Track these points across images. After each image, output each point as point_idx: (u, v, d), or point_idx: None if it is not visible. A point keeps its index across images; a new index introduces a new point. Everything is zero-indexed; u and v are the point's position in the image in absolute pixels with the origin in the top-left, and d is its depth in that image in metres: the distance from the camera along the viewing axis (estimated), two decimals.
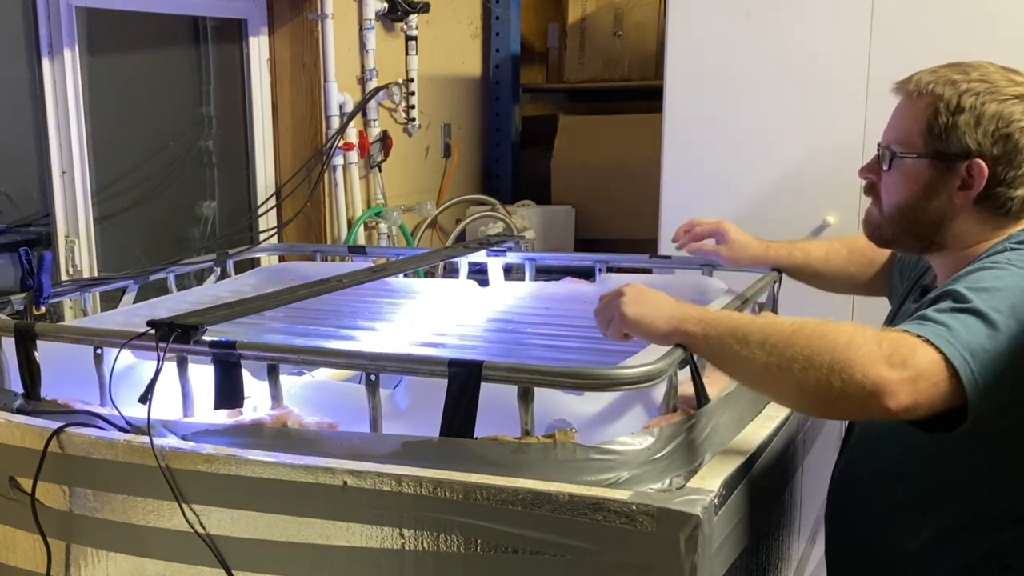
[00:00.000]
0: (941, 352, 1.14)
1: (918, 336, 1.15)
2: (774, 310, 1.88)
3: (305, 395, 1.44)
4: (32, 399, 1.51)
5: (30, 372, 1.52)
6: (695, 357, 1.36)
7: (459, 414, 1.24)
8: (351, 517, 1.25)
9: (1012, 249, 1.30)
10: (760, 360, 1.18)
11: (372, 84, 3.34)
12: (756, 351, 1.18)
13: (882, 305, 1.79)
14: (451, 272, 2.31)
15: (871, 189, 1.48)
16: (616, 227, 3.98)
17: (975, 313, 1.17)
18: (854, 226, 2.81)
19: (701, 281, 2.03)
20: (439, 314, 1.98)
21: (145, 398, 1.35)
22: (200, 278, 2.40)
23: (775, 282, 1.89)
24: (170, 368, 1.41)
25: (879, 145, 1.46)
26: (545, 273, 2.32)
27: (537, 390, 1.23)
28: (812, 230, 2.88)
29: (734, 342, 1.21)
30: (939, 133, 1.35)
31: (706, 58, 2.95)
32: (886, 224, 1.45)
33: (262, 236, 3.09)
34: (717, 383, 1.43)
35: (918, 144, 1.38)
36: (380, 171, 3.39)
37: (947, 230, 1.39)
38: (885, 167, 1.43)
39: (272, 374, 1.39)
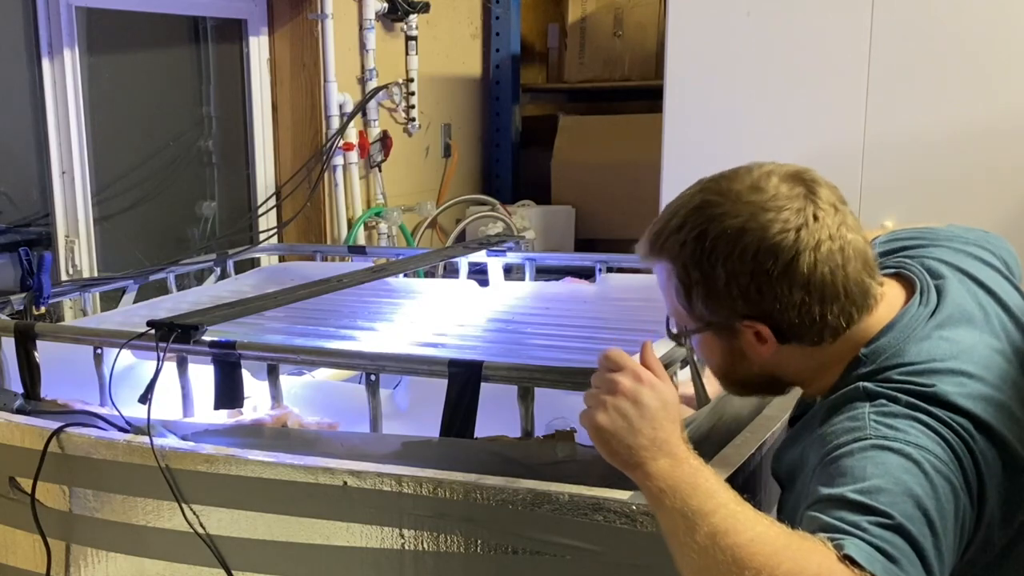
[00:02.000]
0: None
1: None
2: None
3: (305, 395, 1.44)
4: (32, 399, 1.51)
5: (30, 372, 1.52)
6: (695, 357, 1.36)
7: (459, 414, 1.24)
8: (351, 517, 1.25)
9: (874, 413, 1.05)
10: (695, 561, 0.96)
11: (372, 84, 3.34)
12: (697, 546, 0.96)
13: None
14: (451, 272, 2.31)
15: None
16: (616, 227, 3.98)
17: (900, 531, 0.95)
18: None
19: None
20: (439, 314, 1.98)
21: (145, 398, 1.35)
22: (200, 278, 2.40)
23: None
24: (170, 368, 1.41)
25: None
26: (545, 273, 2.32)
27: (537, 390, 1.23)
28: None
29: (682, 524, 0.98)
30: (693, 305, 1.14)
31: (706, 58, 2.95)
32: (726, 387, 1.26)
33: (262, 236, 3.09)
34: (717, 383, 1.43)
35: (687, 318, 1.17)
36: (380, 171, 3.39)
37: (782, 376, 1.20)
38: (682, 344, 1.24)
39: (272, 374, 1.39)
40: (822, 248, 1.07)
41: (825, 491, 0.99)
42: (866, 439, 1.01)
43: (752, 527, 0.95)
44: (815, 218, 1.08)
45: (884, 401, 1.04)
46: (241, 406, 1.39)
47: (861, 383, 1.08)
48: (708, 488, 0.99)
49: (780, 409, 1.51)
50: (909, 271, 1.18)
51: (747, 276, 1.08)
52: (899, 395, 1.04)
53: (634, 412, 1.04)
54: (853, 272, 1.09)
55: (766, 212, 1.08)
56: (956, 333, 1.10)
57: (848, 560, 0.91)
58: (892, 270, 1.20)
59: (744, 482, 1.29)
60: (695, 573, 0.97)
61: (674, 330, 1.20)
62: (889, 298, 1.14)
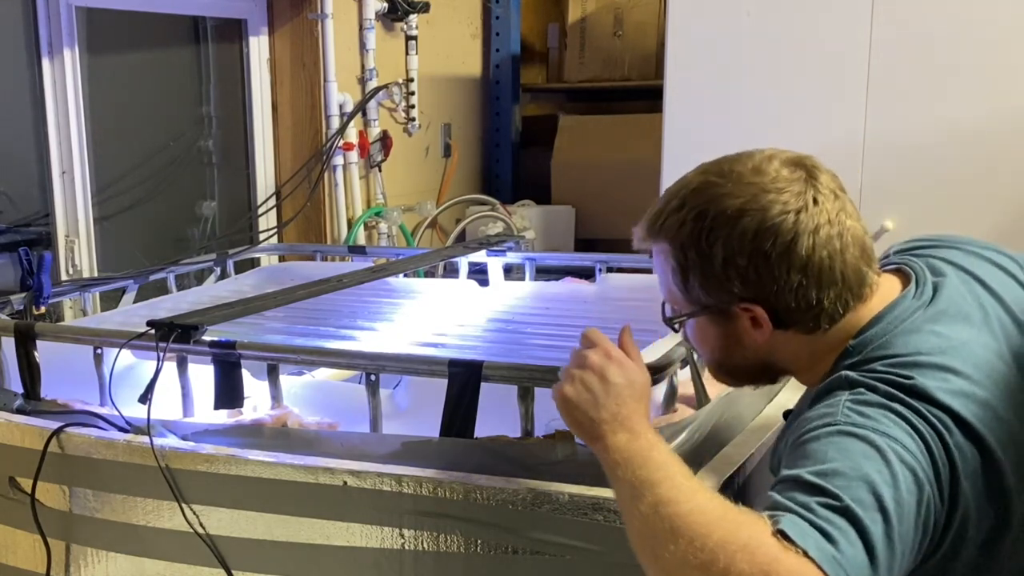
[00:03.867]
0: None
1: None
2: None
3: (305, 395, 1.44)
4: (32, 399, 1.51)
5: (30, 372, 1.52)
6: (695, 357, 1.36)
7: (459, 414, 1.24)
8: (351, 517, 1.25)
9: (849, 400, 1.04)
10: (638, 529, 0.98)
11: (372, 84, 3.34)
12: (640, 514, 0.98)
13: None
14: (451, 272, 2.31)
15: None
16: (616, 227, 3.95)
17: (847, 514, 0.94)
18: None
19: None
20: (439, 314, 1.98)
21: (145, 398, 1.35)
22: (200, 278, 2.40)
23: None
24: (170, 368, 1.41)
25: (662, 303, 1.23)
26: (545, 273, 2.32)
27: (537, 390, 1.23)
28: None
29: (630, 494, 1.00)
30: (689, 288, 1.14)
31: (706, 58, 2.95)
32: (718, 375, 1.25)
33: (262, 236, 3.09)
34: (717, 383, 1.43)
35: (683, 302, 1.16)
36: (380, 171, 3.39)
37: (776, 363, 1.19)
38: (676, 329, 1.22)
39: (272, 374, 1.39)
40: (821, 232, 1.08)
41: (785, 472, 1.00)
42: (834, 424, 1.01)
43: (693, 498, 0.97)
44: (815, 202, 1.09)
45: (862, 390, 1.04)
46: (241, 406, 1.39)
47: (844, 372, 1.08)
48: (659, 461, 1.01)
49: (781, 408, 1.51)
50: (909, 266, 1.18)
51: (745, 257, 1.08)
52: (878, 384, 1.04)
53: (599, 387, 1.07)
54: (851, 258, 1.10)
55: (767, 194, 1.09)
56: (949, 328, 1.10)
57: (781, 535, 0.91)
58: (894, 265, 1.20)
59: (744, 481, 1.29)
60: (638, 539, 0.99)
61: (669, 314, 1.20)
62: (884, 290, 1.14)
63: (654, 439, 1.04)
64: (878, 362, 1.07)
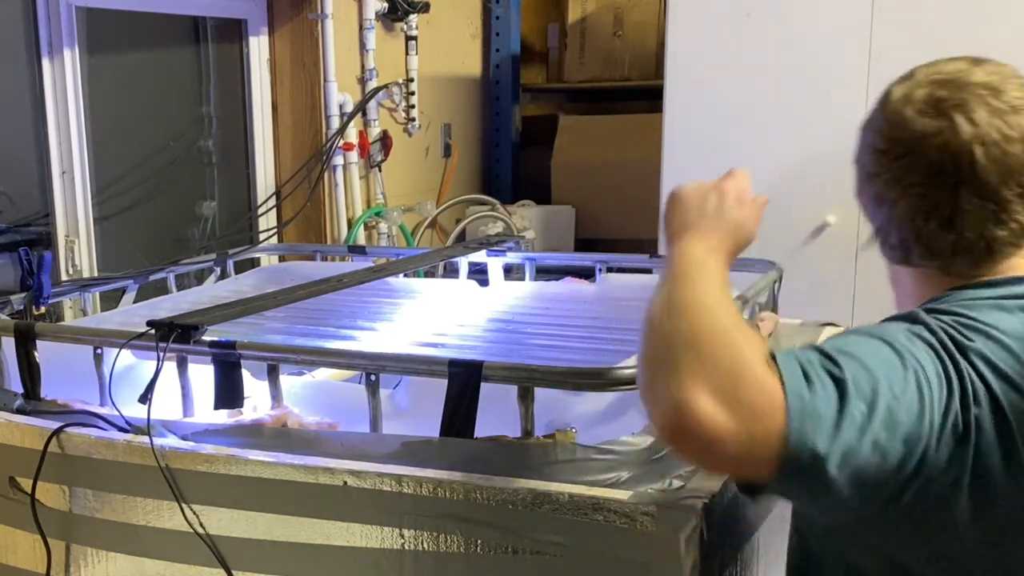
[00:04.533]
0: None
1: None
2: (774, 310, 1.88)
3: (305, 395, 1.44)
4: (32, 399, 1.51)
5: (30, 372, 1.52)
6: None
7: (459, 414, 1.24)
8: (351, 517, 1.25)
9: (904, 326, 1.04)
10: (653, 309, 1.02)
11: (372, 84, 3.34)
12: (665, 297, 1.01)
13: (882, 304, 1.79)
14: (451, 272, 2.31)
15: None
16: (616, 227, 3.98)
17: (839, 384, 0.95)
18: (854, 226, 2.81)
19: None
20: (439, 314, 1.98)
21: (145, 398, 1.35)
22: (200, 278, 2.40)
23: (775, 282, 1.89)
24: (170, 368, 1.41)
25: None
26: (545, 273, 2.32)
27: (537, 390, 1.23)
28: (812, 230, 2.88)
29: (668, 286, 1.03)
30: (865, 204, 1.18)
31: (706, 58, 2.95)
32: None
33: (262, 236, 3.09)
34: None
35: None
36: (380, 171, 3.39)
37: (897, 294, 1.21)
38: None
39: (272, 374, 1.39)
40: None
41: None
42: (878, 334, 1.01)
43: (719, 303, 0.99)
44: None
45: (922, 328, 1.03)
46: (241, 406, 1.39)
47: (918, 309, 1.07)
48: (712, 270, 1.04)
49: None
50: None
51: (919, 182, 1.08)
52: (939, 331, 1.02)
53: (713, 204, 1.13)
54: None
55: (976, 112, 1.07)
56: None
57: (772, 360, 0.93)
58: None
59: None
60: (647, 320, 1.02)
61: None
62: (1019, 265, 1.11)
63: (722, 260, 1.07)
64: (954, 316, 1.05)
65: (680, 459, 1.13)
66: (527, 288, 2.21)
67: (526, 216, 3.85)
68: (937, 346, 1.01)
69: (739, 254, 1.14)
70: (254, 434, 1.35)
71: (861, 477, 0.93)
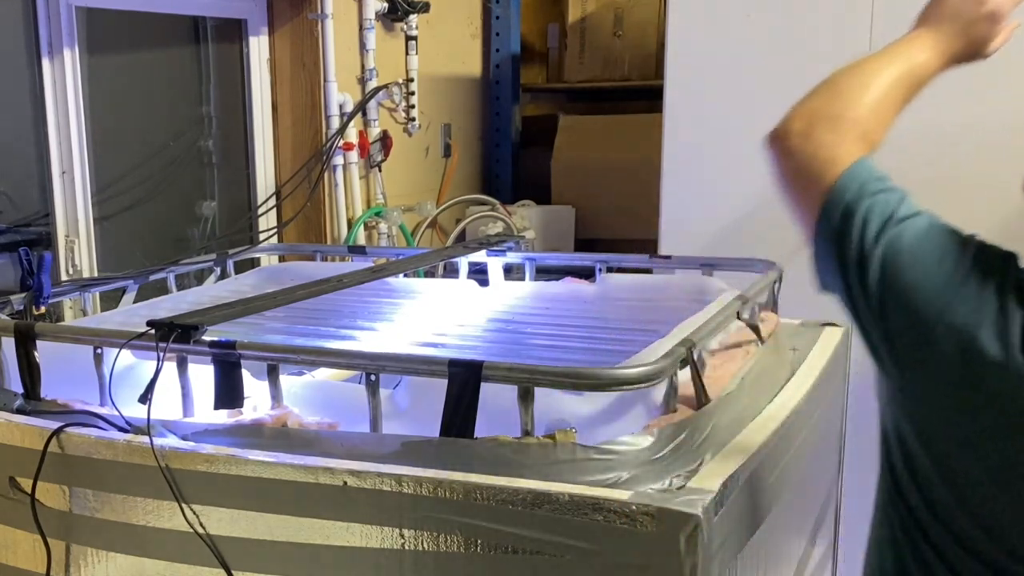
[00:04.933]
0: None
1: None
2: (774, 310, 1.88)
3: (305, 395, 1.44)
4: (32, 399, 1.51)
5: (30, 372, 1.52)
6: (695, 357, 1.36)
7: (459, 414, 1.24)
8: (351, 517, 1.25)
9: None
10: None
11: (372, 84, 3.34)
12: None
13: None
14: (451, 272, 2.31)
15: None
16: (616, 227, 3.98)
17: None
18: None
19: (701, 281, 2.03)
20: (439, 314, 1.98)
21: (145, 398, 1.35)
22: (200, 278, 2.40)
23: (775, 282, 1.89)
24: (170, 368, 1.41)
25: None
26: (545, 273, 2.32)
27: (537, 390, 1.23)
28: None
29: (878, 55, 1.25)
30: None
31: (706, 58, 2.95)
32: None
33: (262, 236, 3.09)
34: (717, 383, 1.43)
35: None
36: (380, 171, 3.39)
37: None
38: None
39: (272, 374, 1.39)
40: None
41: None
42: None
43: (884, 75, 1.21)
44: None
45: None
46: (241, 406, 1.39)
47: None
48: (912, 58, 1.26)
49: (781, 408, 1.51)
50: None
51: None
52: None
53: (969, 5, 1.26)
54: None
55: None
56: None
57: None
58: None
59: (745, 481, 1.29)
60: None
61: None
62: None
63: (926, 68, 1.25)
64: None
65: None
66: (527, 288, 2.21)
67: (526, 216, 3.85)
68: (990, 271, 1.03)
69: (964, 63, 1.30)
70: (254, 434, 1.35)
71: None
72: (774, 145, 1.14)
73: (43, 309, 1.86)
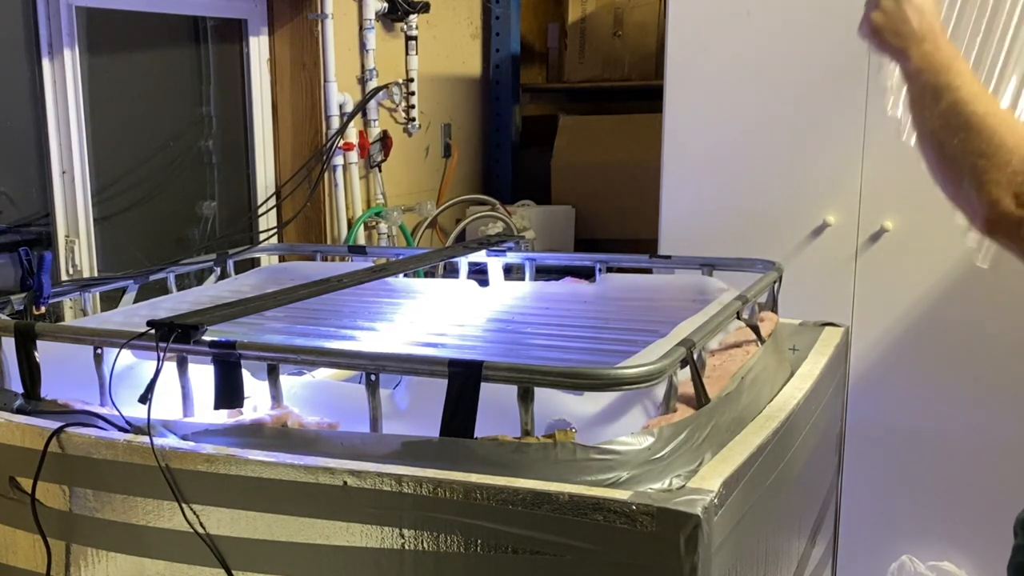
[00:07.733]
0: None
1: None
2: (774, 310, 1.88)
3: (305, 395, 1.44)
4: (32, 399, 1.52)
5: (30, 372, 1.52)
6: (695, 357, 1.36)
7: (459, 414, 1.24)
8: (351, 517, 1.25)
9: None
10: (929, 127, 1.20)
11: (372, 84, 3.34)
12: (939, 112, 1.19)
13: (881, 304, 1.79)
14: (451, 272, 2.31)
15: None
16: (616, 227, 3.98)
17: None
18: (853, 227, 2.81)
19: (701, 281, 2.03)
20: (439, 314, 1.98)
21: (145, 398, 1.35)
22: (200, 278, 2.40)
23: (775, 282, 1.89)
24: (170, 368, 1.41)
25: None
26: (545, 273, 2.32)
27: (537, 390, 1.23)
28: (812, 230, 2.88)
29: (930, 96, 1.21)
30: None
31: (706, 58, 2.95)
32: None
33: (262, 236, 3.09)
34: (717, 383, 1.43)
35: None
36: (380, 171, 3.39)
37: None
38: None
39: (272, 374, 1.39)
40: None
41: None
42: None
43: (989, 104, 1.17)
44: None
45: None
46: (241, 406, 1.39)
47: None
48: (958, 69, 1.22)
49: (781, 408, 1.51)
50: None
51: None
52: None
53: (901, 8, 1.29)
54: None
55: None
56: None
57: None
58: None
59: (745, 482, 1.29)
60: (931, 135, 1.19)
61: None
62: None
63: (954, 52, 1.24)
64: None
65: (999, 243, 1.21)
66: (527, 288, 2.21)
67: (526, 216, 3.85)
68: None
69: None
70: (254, 434, 1.35)
71: None
72: (997, 229, 1.15)
73: (43, 309, 1.86)
